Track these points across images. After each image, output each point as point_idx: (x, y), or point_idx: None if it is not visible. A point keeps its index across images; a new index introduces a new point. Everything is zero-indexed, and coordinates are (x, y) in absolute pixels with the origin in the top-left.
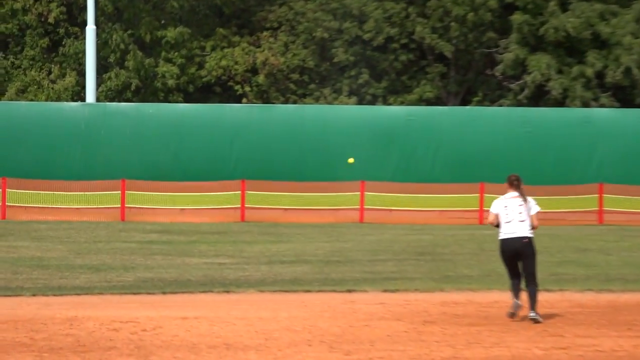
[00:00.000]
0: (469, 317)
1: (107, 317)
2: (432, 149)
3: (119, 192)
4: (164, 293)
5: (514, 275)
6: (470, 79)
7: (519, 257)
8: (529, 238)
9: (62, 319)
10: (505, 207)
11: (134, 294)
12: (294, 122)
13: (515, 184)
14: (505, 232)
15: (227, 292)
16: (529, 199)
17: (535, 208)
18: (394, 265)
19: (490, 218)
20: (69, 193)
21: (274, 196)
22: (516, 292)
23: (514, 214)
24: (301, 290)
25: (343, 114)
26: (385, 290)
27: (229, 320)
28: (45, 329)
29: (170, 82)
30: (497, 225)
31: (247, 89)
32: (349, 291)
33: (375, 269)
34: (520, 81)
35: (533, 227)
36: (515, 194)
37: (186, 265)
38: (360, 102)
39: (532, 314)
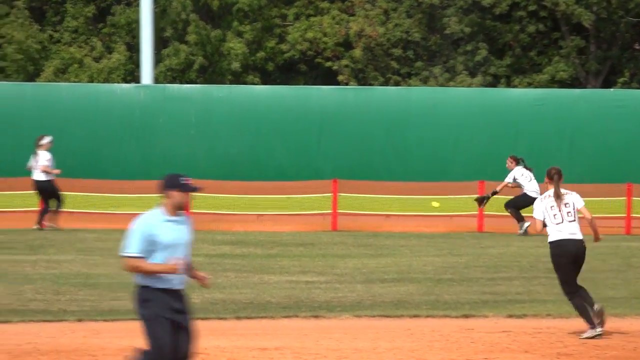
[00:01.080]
0: (613, 349)
1: None
2: (567, 142)
3: None
4: (238, 318)
5: (574, 285)
6: (615, 55)
7: (574, 262)
8: (584, 242)
9: (114, 350)
10: (551, 207)
11: (202, 319)
12: (396, 108)
13: (556, 178)
14: (558, 233)
15: (316, 317)
16: (571, 193)
17: (580, 201)
18: (521, 285)
19: (538, 227)
20: (121, 195)
21: (373, 199)
22: (588, 315)
23: (562, 214)
24: (406, 315)
25: (457, 99)
26: (509, 316)
27: (318, 352)
28: None
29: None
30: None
31: (344, 63)
32: (465, 316)
33: (497, 290)
34: None
35: (589, 220)
36: (558, 190)
37: (265, 284)
38: (479, 84)
39: (599, 330)
